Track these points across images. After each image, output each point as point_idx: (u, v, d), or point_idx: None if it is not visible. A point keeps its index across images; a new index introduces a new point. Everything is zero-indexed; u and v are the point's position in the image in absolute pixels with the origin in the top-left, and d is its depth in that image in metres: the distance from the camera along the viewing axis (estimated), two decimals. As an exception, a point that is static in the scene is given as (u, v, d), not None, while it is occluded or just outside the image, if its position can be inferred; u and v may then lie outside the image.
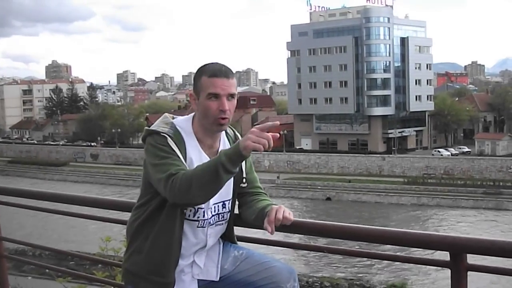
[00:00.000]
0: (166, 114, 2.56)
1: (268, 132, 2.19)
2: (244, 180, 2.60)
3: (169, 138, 2.40)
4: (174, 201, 2.32)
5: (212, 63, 2.47)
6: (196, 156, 2.47)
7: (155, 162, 2.37)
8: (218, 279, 2.58)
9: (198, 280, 2.55)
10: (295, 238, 20.08)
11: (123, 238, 2.82)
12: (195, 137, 2.49)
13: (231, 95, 2.43)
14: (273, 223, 2.37)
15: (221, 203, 2.55)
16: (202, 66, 2.47)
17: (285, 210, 2.41)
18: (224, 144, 2.58)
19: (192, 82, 2.55)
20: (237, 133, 2.67)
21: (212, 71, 2.42)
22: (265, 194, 2.66)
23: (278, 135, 2.26)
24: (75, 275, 4.33)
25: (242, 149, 2.18)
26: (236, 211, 2.68)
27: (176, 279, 2.49)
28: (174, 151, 2.38)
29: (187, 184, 2.26)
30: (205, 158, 2.47)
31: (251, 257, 2.61)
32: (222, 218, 2.58)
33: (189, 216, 2.48)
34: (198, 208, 2.48)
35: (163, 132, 2.41)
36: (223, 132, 2.57)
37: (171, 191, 2.29)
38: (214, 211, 2.53)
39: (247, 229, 2.64)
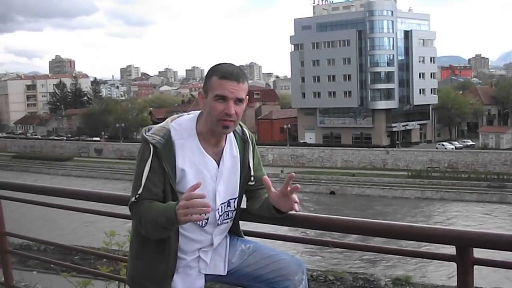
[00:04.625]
0: (169, 119, 2.48)
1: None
2: (252, 178, 2.58)
3: (153, 152, 2.35)
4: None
5: (225, 64, 2.40)
6: (197, 160, 2.40)
7: (135, 172, 2.40)
8: (225, 273, 2.56)
9: (205, 274, 2.54)
10: (299, 232, 20.10)
11: (127, 232, 2.82)
12: (197, 138, 2.43)
13: (239, 99, 2.37)
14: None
15: (227, 202, 2.51)
16: (215, 66, 2.40)
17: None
18: (230, 142, 2.52)
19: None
20: (245, 128, 2.59)
21: (223, 73, 2.35)
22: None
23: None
24: (80, 269, 4.34)
25: (180, 220, 2.19)
26: (243, 205, 2.65)
27: (182, 274, 2.48)
28: (152, 167, 2.34)
29: (139, 221, 2.36)
30: (209, 159, 2.43)
31: (258, 250, 2.60)
32: (228, 217, 2.55)
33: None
34: None
35: (151, 143, 2.36)
36: None
37: (133, 218, 2.43)
38: (221, 211, 2.50)
39: (253, 223, 2.62)
